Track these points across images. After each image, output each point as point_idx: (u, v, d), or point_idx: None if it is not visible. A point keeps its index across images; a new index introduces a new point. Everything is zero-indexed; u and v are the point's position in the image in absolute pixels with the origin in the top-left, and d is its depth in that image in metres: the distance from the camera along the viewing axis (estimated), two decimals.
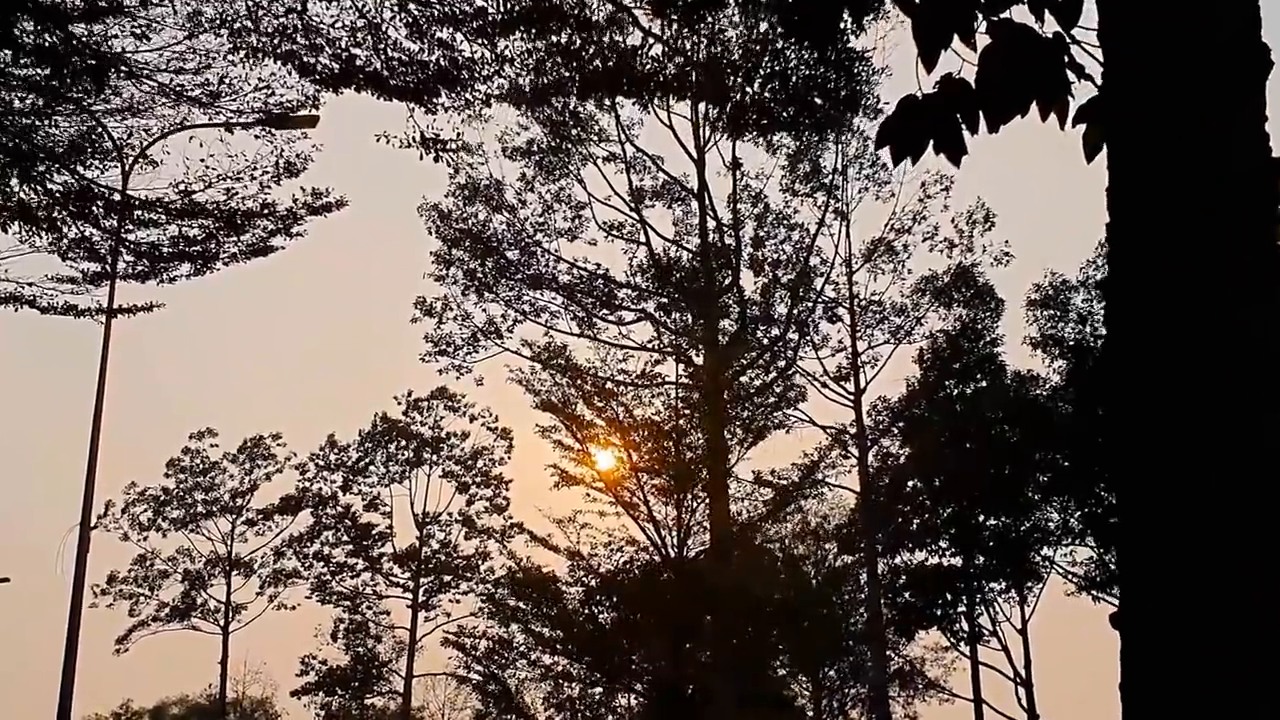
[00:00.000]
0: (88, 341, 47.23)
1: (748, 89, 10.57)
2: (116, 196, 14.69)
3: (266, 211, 15.61)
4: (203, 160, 15.31)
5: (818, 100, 10.57)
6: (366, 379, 76.24)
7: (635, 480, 20.75)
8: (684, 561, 20.31)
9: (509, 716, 24.33)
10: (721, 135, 25.21)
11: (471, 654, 23.82)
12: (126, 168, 14.85)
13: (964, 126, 4.05)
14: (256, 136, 14.48)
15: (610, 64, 10.93)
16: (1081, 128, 4.00)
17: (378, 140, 16.63)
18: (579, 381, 22.84)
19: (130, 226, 15.06)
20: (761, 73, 10.53)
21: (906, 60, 3.88)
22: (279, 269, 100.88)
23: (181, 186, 15.07)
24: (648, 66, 10.92)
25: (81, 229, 14.81)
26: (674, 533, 20.38)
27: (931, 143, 4.14)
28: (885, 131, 4.18)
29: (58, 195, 14.25)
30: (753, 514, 25.52)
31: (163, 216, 15.22)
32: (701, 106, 27.90)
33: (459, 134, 12.77)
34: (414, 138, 11.84)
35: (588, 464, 21.41)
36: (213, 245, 15.85)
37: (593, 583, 20.95)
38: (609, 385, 24.38)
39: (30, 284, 15.90)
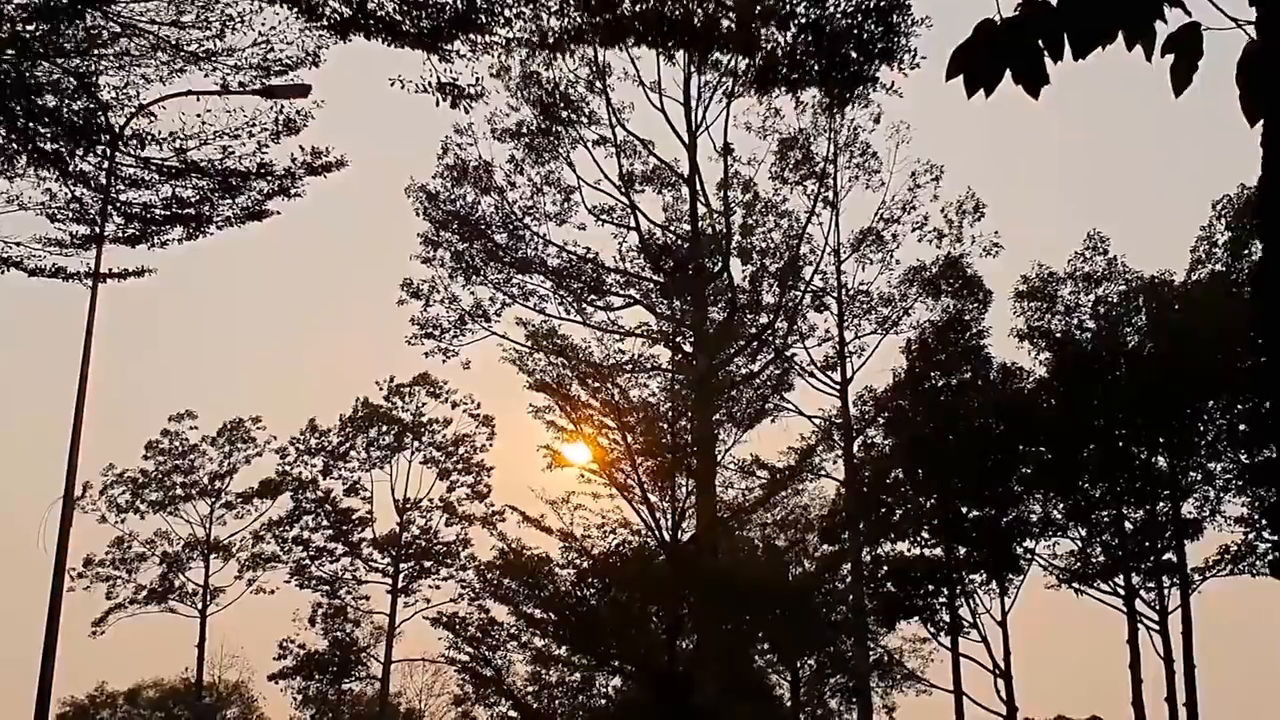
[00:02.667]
0: (73, 319, 46.65)
1: (780, 37, 10.24)
2: (122, 131, 14.02)
3: (263, 171, 15.01)
4: (199, 115, 14.74)
5: (852, 53, 10.26)
6: (349, 362, 75.82)
7: (630, 462, 20.59)
8: (676, 545, 20.17)
9: (495, 699, 24.19)
10: (747, 91, 24.54)
11: (462, 634, 23.63)
12: (118, 129, 14.37)
13: (1046, 54, 3.88)
14: (255, 92, 13.94)
15: (638, 7, 10.49)
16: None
17: (391, 85, 15.92)
18: (572, 362, 22.66)
19: (121, 186, 14.59)
20: (796, 21, 10.20)
21: (939, 14, 3.70)
22: (266, 247, 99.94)
23: (176, 144, 14.59)
24: (677, 13, 10.48)
25: (78, 180, 14.24)
26: (668, 516, 20.24)
27: (1009, 72, 3.97)
28: (958, 59, 3.98)
29: (64, 124, 13.62)
30: (743, 501, 25.43)
31: (155, 176, 14.71)
32: (694, 87, 27.81)
33: (478, 79, 12.17)
34: (430, 83, 11.35)
35: (586, 441, 21.25)
36: (206, 207, 15.28)
37: (585, 565, 20.78)
38: (601, 368, 24.19)
39: (18, 244, 15.44)
